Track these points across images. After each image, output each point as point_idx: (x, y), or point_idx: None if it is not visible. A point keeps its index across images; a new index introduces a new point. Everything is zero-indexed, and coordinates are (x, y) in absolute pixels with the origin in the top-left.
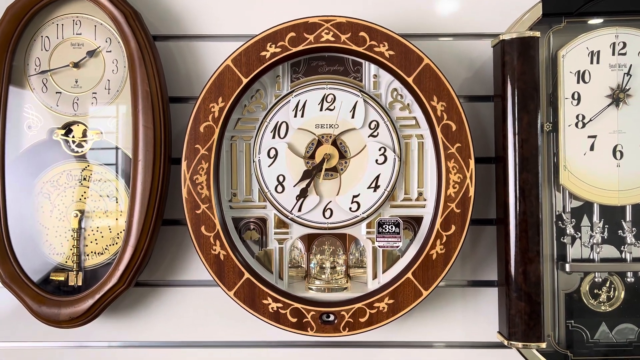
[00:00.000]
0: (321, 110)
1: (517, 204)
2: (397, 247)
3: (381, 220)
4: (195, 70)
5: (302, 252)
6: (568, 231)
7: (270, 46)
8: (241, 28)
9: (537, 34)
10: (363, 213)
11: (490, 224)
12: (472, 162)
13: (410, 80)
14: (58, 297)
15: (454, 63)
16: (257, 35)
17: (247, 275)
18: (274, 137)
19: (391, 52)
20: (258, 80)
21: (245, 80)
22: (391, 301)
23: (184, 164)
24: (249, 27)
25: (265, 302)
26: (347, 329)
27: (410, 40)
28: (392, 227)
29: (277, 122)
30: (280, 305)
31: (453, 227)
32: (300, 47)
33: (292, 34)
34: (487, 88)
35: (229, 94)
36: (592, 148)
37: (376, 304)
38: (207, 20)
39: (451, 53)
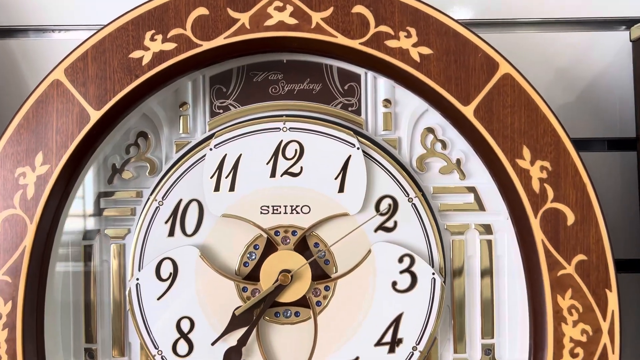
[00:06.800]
0: (273, 175)
1: None
2: None
3: None
4: (18, 93)
5: None
6: None
7: (153, 37)
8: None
9: None
10: None
11: None
12: (612, 296)
13: (469, 112)
14: None
15: (549, 74)
16: (120, 17)
17: None
18: (171, 233)
19: (426, 51)
20: (133, 112)
21: (96, 115)
22: None
23: None
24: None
25: None
26: None
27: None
28: None
29: (179, 201)
30: None
31: None
32: (221, 40)
33: (203, 10)
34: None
35: (60, 144)
36: None
37: None
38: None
39: (542, 54)
